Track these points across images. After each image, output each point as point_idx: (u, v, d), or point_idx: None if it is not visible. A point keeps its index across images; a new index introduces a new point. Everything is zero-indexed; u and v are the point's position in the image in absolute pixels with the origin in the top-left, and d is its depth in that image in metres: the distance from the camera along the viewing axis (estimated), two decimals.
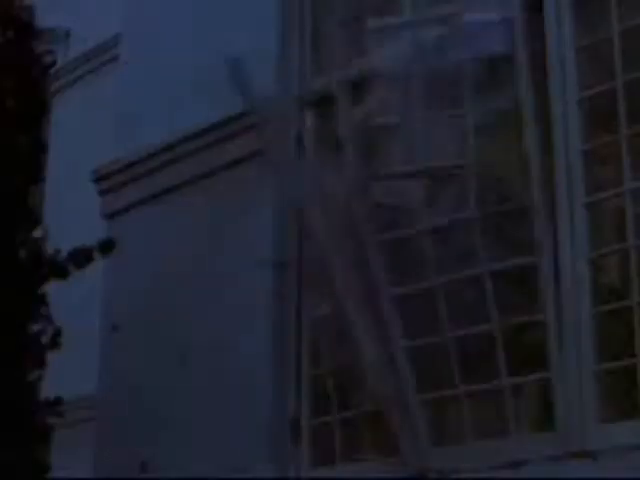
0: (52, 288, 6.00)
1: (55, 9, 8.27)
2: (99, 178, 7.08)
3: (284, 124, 6.09)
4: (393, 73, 5.21)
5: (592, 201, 4.71)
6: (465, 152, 4.98)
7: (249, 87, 5.57)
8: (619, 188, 4.61)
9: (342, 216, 5.19)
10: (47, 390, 6.00)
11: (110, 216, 6.97)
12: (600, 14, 4.82)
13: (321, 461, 5.54)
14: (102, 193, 7.08)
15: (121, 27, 7.56)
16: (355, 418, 5.42)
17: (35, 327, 5.88)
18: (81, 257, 6.03)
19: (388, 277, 5.07)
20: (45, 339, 5.90)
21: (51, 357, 5.92)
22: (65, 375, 6.76)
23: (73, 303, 7.18)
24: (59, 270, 6.00)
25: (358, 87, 5.96)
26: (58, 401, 5.90)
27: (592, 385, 4.50)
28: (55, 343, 5.92)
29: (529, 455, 4.64)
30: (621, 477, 4.28)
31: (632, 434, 4.33)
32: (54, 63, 9.21)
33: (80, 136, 8.58)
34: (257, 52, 6.29)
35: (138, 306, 6.56)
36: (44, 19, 6.65)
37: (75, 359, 6.95)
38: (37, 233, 6.24)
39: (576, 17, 4.91)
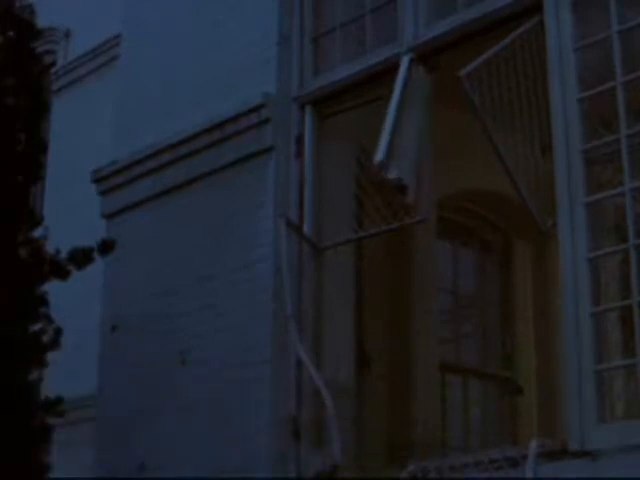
0: (52, 288, 6.00)
1: (55, 9, 8.28)
2: (99, 179, 7.09)
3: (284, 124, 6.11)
4: None
5: (592, 201, 4.71)
6: None
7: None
8: (619, 188, 4.62)
9: None
10: (47, 390, 6.00)
11: (110, 216, 6.98)
12: (600, 14, 4.82)
13: None
14: (102, 193, 7.09)
15: (121, 27, 7.58)
16: None
17: (35, 327, 5.87)
18: (81, 257, 6.02)
19: None
20: (45, 339, 5.89)
21: (51, 357, 5.92)
22: (65, 375, 6.75)
23: (73, 303, 7.17)
24: (59, 270, 5.99)
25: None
26: (58, 401, 5.89)
27: (592, 385, 4.49)
28: (55, 343, 5.92)
29: None
30: (621, 477, 4.28)
31: (632, 434, 4.32)
32: (54, 63, 9.20)
33: (80, 136, 8.57)
34: (257, 52, 6.30)
35: (138, 306, 6.57)
36: (44, 19, 6.65)
37: (75, 359, 6.94)
38: (37, 233, 6.24)
39: (576, 17, 4.91)
